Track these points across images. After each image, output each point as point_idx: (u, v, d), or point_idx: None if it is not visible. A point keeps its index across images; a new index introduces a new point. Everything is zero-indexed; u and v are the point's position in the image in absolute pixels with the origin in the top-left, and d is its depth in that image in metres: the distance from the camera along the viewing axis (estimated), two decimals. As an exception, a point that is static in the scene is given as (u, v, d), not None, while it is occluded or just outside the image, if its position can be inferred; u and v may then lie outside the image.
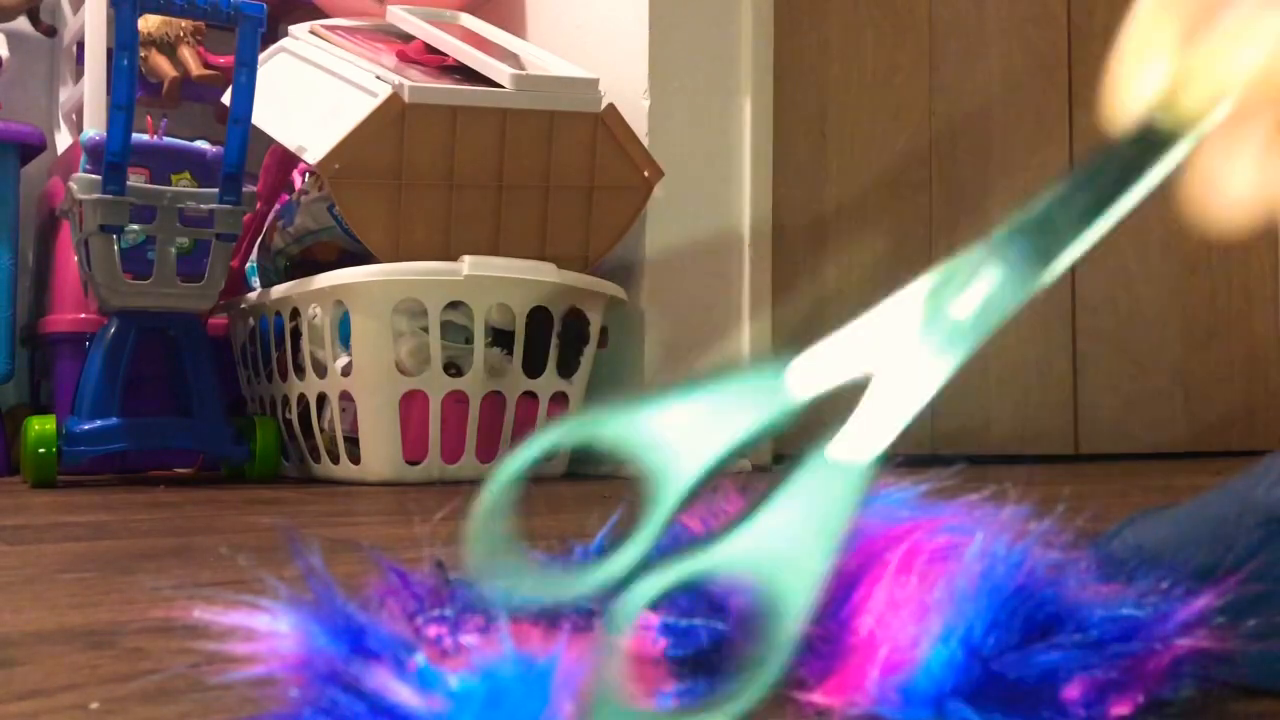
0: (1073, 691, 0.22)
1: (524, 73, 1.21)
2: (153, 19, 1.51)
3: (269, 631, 0.23)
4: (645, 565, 0.18)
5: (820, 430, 0.18)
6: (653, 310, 1.30)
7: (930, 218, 1.48)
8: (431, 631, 0.24)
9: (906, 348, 0.16)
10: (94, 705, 0.27)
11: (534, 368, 1.19)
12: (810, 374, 0.17)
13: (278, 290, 1.23)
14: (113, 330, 1.16)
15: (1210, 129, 0.16)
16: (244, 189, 1.18)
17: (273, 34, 1.37)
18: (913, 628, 0.23)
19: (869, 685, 0.23)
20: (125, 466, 1.30)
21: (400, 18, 1.36)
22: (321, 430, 1.21)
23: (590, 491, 1.03)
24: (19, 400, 1.54)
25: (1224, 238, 0.17)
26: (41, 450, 1.10)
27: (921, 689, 0.22)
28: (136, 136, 1.13)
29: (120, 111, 1.08)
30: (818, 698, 0.24)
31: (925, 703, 0.22)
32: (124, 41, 1.06)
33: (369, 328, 1.13)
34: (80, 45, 1.47)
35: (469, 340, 1.17)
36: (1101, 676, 0.22)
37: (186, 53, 1.55)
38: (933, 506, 0.27)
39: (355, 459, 1.17)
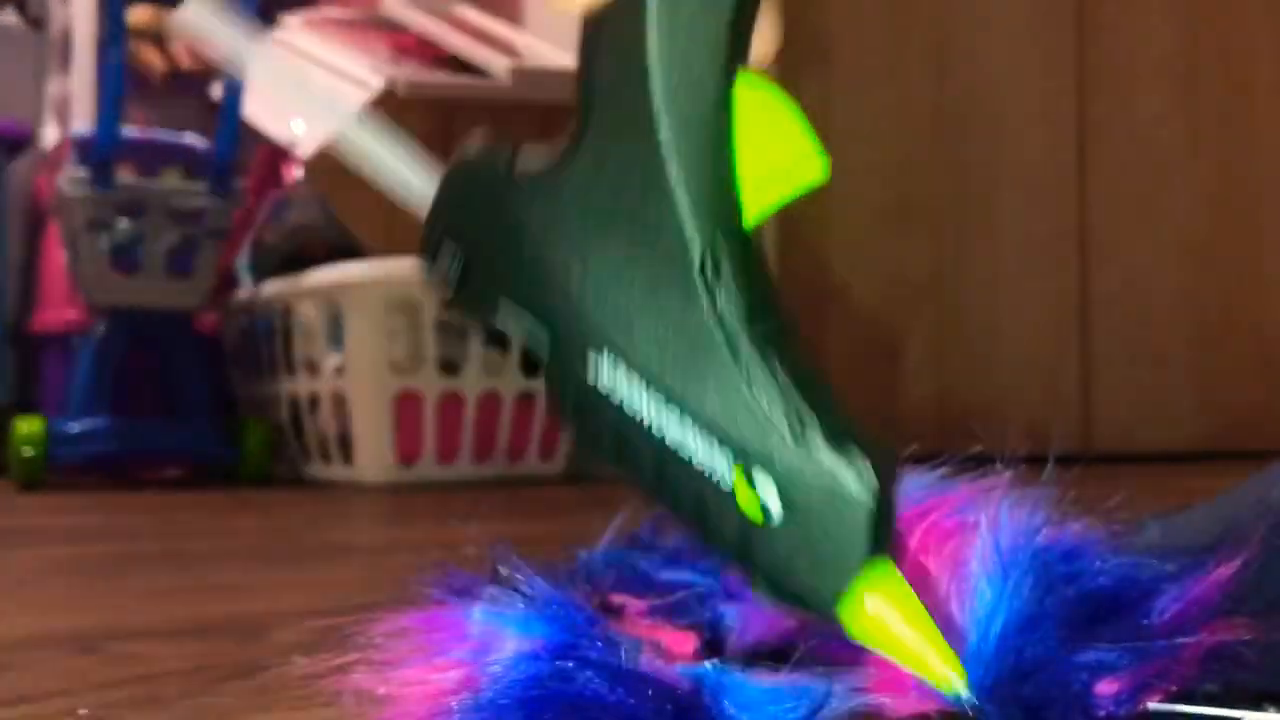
0: (1107, 688, 0.22)
1: (521, 64, 1.20)
2: (142, 11, 1.50)
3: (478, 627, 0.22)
4: None
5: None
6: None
7: (937, 211, 1.48)
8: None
9: None
10: (83, 711, 0.27)
11: (532, 367, 1.18)
12: None
13: (269, 288, 1.22)
14: (101, 328, 1.15)
15: None
16: (234, 184, 1.17)
17: (264, 25, 1.35)
18: (942, 618, 0.23)
19: (909, 683, 0.23)
20: (114, 468, 1.29)
21: (395, 8, 1.35)
22: (314, 430, 1.20)
23: (589, 493, 1.02)
24: (6, 400, 1.52)
25: None
26: (29, 451, 1.08)
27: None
28: (125, 130, 1.12)
29: (109, 105, 1.06)
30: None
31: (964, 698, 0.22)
32: (113, 34, 1.05)
33: (362, 326, 1.12)
34: (68, 37, 1.45)
35: (464, 338, 1.16)
36: (1139, 674, 0.22)
37: (177, 45, 1.54)
38: (949, 485, 0.27)
39: (348, 460, 1.16)
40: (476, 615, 0.22)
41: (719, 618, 0.26)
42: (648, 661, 0.21)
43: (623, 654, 0.21)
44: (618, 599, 0.28)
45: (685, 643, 0.26)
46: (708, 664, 0.22)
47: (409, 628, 0.22)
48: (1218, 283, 1.63)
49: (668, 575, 0.28)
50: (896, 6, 1.46)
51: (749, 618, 0.26)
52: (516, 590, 0.23)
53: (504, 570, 0.25)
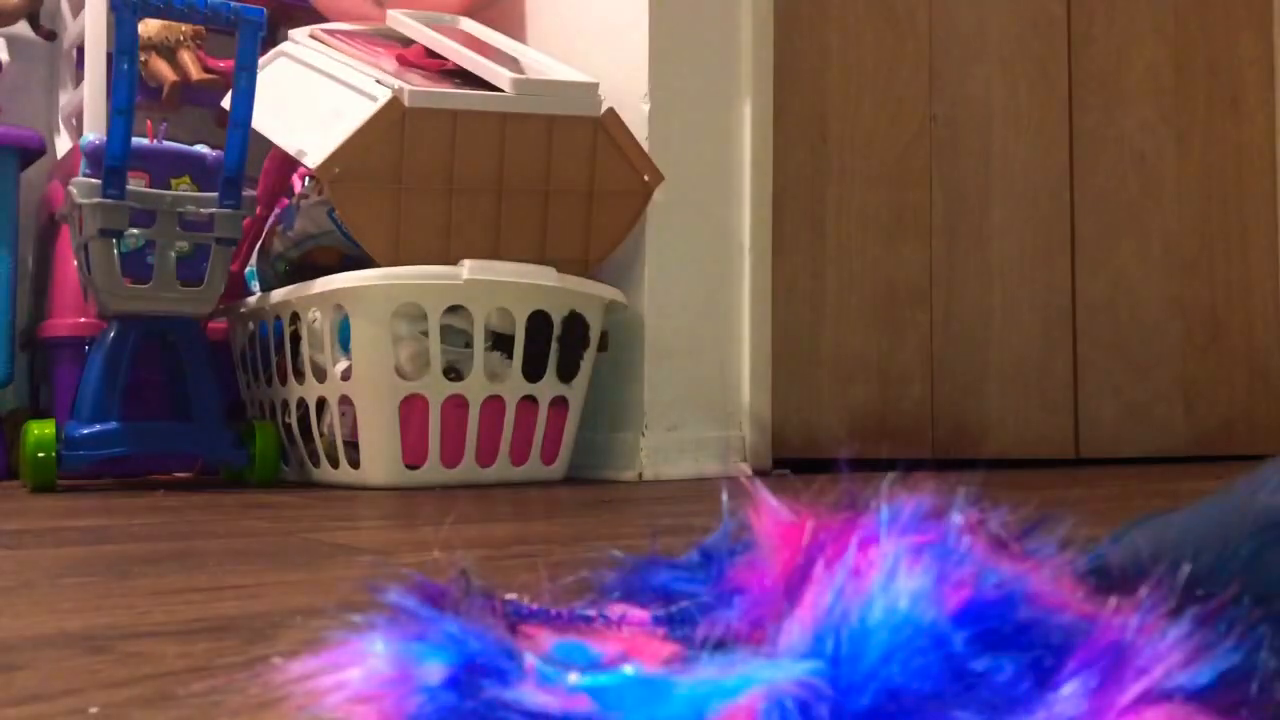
0: None
1: (524, 76, 1.21)
2: (153, 23, 1.51)
3: (364, 652, 0.21)
4: None
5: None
6: (653, 314, 1.30)
7: (930, 220, 1.48)
8: (529, 632, 0.24)
9: None
10: (93, 709, 0.27)
11: (534, 372, 1.19)
12: None
13: (277, 294, 1.23)
14: (112, 334, 1.16)
15: None
16: (244, 193, 1.18)
17: (272, 38, 1.37)
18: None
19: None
20: (125, 471, 1.30)
21: (400, 22, 1.37)
22: (321, 435, 1.21)
23: (590, 496, 1.03)
24: (18, 404, 1.54)
25: None
26: (41, 454, 1.09)
27: None
28: (136, 140, 1.13)
29: (120, 116, 1.08)
30: None
31: None
32: (124, 46, 1.06)
33: (369, 332, 1.13)
34: (80, 49, 1.47)
35: (469, 344, 1.17)
36: None
37: (186, 57, 1.55)
38: (864, 512, 0.24)
39: (355, 464, 1.17)
40: (378, 648, 0.21)
41: (700, 621, 0.26)
42: (547, 680, 0.20)
43: (522, 675, 0.20)
44: (617, 609, 0.28)
45: (654, 649, 0.26)
46: (627, 668, 0.21)
47: (318, 668, 0.21)
48: (1205, 290, 1.63)
49: (678, 587, 0.28)
50: (891, 19, 1.47)
51: (719, 615, 0.26)
52: (418, 617, 0.23)
53: (473, 579, 0.25)
